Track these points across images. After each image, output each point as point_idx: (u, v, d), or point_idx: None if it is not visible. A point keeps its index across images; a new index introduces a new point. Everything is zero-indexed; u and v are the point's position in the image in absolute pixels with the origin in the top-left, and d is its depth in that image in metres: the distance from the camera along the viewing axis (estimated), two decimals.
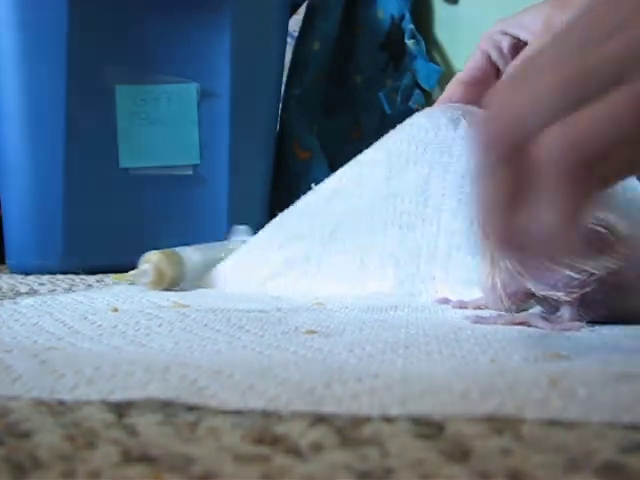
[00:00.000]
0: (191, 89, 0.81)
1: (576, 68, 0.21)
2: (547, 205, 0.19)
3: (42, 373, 0.24)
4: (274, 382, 0.23)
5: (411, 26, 0.90)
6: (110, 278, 0.55)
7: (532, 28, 0.49)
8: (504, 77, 0.38)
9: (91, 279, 0.67)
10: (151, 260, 0.53)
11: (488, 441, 0.18)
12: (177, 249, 0.56)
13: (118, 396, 0.22)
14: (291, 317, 0.37)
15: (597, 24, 0.22)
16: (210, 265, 0.56)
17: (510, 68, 0.45)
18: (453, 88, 0.53)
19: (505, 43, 0.51)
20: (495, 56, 0.52)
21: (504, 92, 0.21)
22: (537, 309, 0.36)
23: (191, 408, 0.21)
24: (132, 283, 0.55)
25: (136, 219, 0.80)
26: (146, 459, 0.17)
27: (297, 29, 0.97)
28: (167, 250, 0.54)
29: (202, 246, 0.59)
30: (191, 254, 0.56)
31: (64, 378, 0.24)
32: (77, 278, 0.69)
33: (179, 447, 0.18)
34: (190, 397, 0.21)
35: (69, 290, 0.56)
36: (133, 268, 0.78)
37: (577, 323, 0.32)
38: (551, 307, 0.34)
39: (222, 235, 0.82)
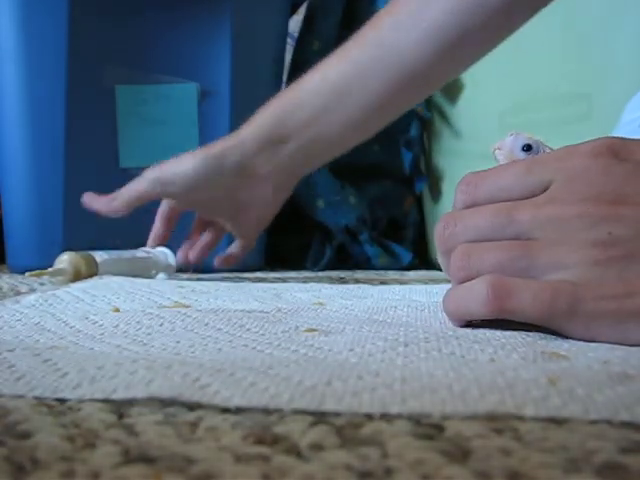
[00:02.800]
0: (191, 89, 0.81)
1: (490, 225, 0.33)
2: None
3: (45, 372, 0.24)
4: (275, 380, 0.23)
5: None
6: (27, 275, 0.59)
7: None
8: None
9: (91, 279, 0.67)
10: (68, 260, 0.61)
11: (488, 441, 0.18)
12: (88, 252, 0.64)
13: (121, 395, 0.22)
14: (291, 317, 0.38)
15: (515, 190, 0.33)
16: (119, 263, 0.66)
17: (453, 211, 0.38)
18: None
19: None
20: None
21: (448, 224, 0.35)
22: None
23: (191, 408, 0.21)
24: (50, 280, 0.61)
25: (136, 219, 0.80)
26: (146, 459, 0.17)
27: (297, 29, 0.97)
28: (79, 252, 0.62)
29: (111, 252, 0.67)
30: (102, 254, 0.65)
31: (67, 377, 0.24)
32: None
33: (179, 447, 0.18)
34: (193, 395, 0.21)
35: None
36: None
37: None
38: None
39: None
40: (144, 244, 0.80)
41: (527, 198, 0.33)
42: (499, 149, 0.38)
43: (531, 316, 0.31)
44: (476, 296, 0.32)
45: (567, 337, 0.31)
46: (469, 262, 0.33)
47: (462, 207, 0.35)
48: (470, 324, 0.35)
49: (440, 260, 0.37)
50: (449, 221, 0.35)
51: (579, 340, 0.31)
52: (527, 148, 0.39)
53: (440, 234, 0.35)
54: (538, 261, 0.32)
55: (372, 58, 0.64)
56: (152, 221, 0.80)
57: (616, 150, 0.32)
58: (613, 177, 0.31)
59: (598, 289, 0.30)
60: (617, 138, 0.33)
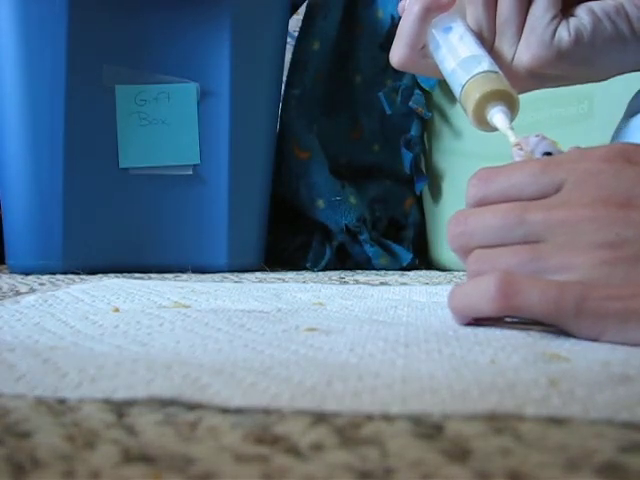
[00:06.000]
0: (191, 89, 0.81)
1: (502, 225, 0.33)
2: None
3: (45, 372, 0.24)
4: (276, 380, 0.23)
5: None
6: None
7: None
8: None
9: (91, 279, 0.67)
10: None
11: (488, 441, 0.18)
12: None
13: (121, 394, 0.22)
14: (291, 316, 0.38)
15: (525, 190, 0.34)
16: None
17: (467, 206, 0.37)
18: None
19: None
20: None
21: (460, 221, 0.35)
22: None
23: (191, 408, 0.21)
24: None
25: (136, 219, 0.80)
26: (146, 459, 0.17)
27: (297, 29, 0.97)
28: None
29: None
30: None
31: (67, 377, 0.24)
32: (77, 278, 0.70)
33: (179, 447, 0.18)
34: (193, 395, 0.21)
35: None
36: (132, 269, 0.79)
37: None
38: None
39: (222, 235, 0.82)
40: (145, 243, 0.80)
41: (538, 197, 0.33)
42: (519, 146, 0.38)
43: (538, 313, 0.31)
44: (483, 293, 0.32)
45: (572, 335, 0.31)
46: (482, 266, 0.34)
47: (473, 201, 0.35)
48: (471, 323, 0.35)
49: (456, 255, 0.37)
50: (460, 219, 0.35)
51: (584, 339, 0.31)
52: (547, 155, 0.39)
53: (451, 232, 0.36)
54: (547, 264, 0.32)
55: None
56: (153, 221, 0.81)
57: (629, 154, 0.33)
58: (623, 180, 0.32)
59: (604, 289, 0.30)
60: (631, 143, 0.34)
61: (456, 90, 0.44)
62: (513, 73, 0.44)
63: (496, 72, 0.42)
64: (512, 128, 0.39)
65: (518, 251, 0.33)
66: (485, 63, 0.42)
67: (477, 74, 0.42)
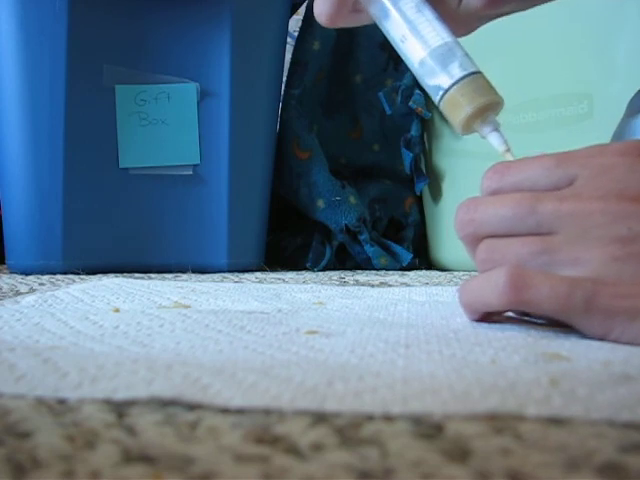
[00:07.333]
0: (191, 89, 0.81)
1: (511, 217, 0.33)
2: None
3: (45, 372, 0.24)
4: (276, 381, 0.23)
5: None
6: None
7: None
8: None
9: (91, 279, 0.67)
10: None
11: (488, 441, 0.18)
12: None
13: (122, 395, 0.22)
14: (292, 318, 0.38)
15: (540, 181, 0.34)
16: None
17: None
18: None
19: None
20: None
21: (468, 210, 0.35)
22: None
23: (191, 408, 0.21)
24: None
25: (136, 219, 0.80)
26: (146, 459, 0.17)
27: (297, 29, 0.97)
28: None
29: None
30: None
31: (68, 377, 0.24)
32: (77, 278, 0.70)
33: (179, 447, 0.18)
34: (194, 395, 0.21)
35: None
36: (132, 269, 0.79)
37: None
38: None
39: (222, 235, 0.82)
40: (144, 243, 0.80)
41: (552, 190, 0.33)
42: None
43: (547, 308, 0.31)
44: (493, 286, 0.32)
45: (573, 335, 0.31)
46: (492, 255, 0.34)
47: (487, 193, 0.35)
48: (481, 319, 0.35)
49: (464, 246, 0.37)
50: (470, 206, 0.35)
51: (591, 336, 0.31)
52: None
53: (460, 219, 0.35)
54: (558, 256, 0.32)
55: None
56: (153, 221, 0.80)
57: None
58: (637, 174, 0.32)
59: (614, 286, 0.30)
60: None
61: (427, 84, 0.41)
62: (457, 18, 0.43)
63: (478, 72, 0.39)
64: (509, 150, 0.38)
65: (528, 242, 0.33)
66: (459, 54, 0.39)
67: (461, 78, 0.39)
